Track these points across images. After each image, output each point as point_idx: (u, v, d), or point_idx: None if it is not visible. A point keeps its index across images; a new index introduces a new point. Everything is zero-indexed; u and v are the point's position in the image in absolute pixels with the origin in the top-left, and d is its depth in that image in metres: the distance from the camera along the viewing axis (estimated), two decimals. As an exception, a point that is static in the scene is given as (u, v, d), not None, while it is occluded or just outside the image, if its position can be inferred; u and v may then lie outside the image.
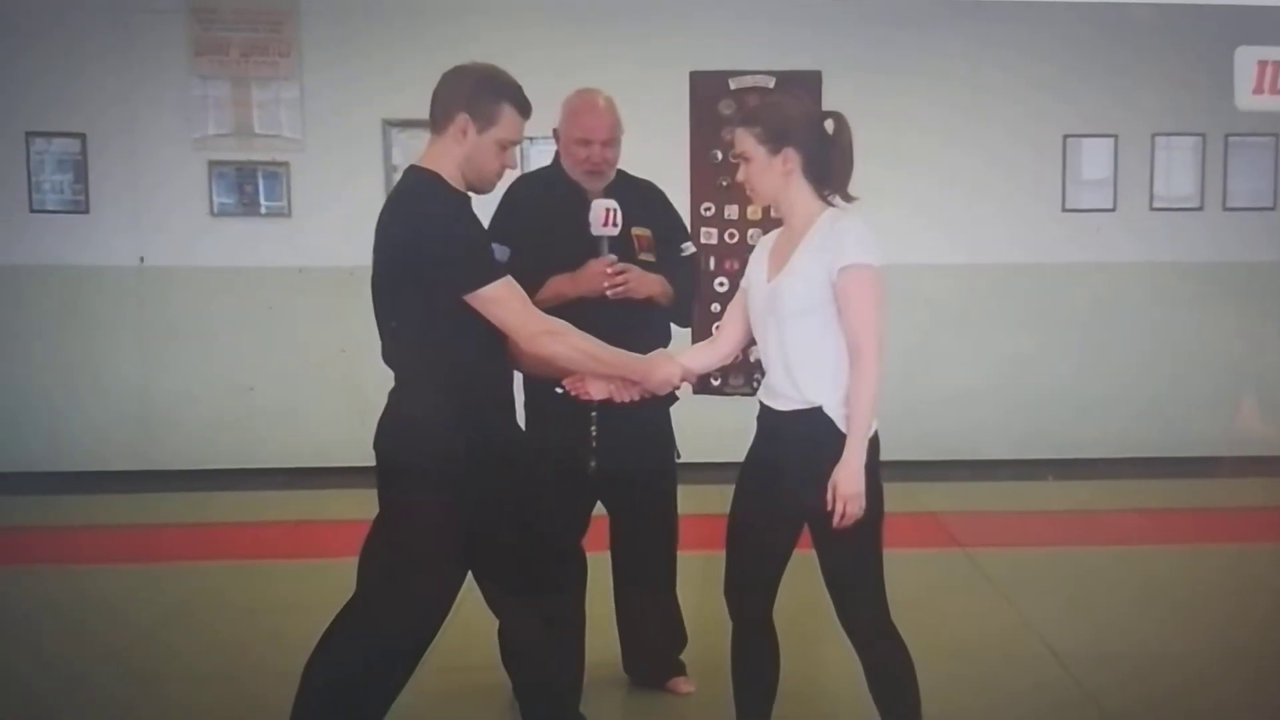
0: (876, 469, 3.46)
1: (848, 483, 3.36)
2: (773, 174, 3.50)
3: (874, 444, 3.45)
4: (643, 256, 4.35)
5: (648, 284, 4.29)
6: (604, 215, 4.18)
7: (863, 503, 3.36)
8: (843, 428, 3.39)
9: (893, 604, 5.38)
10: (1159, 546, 6.78)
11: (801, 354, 3.44)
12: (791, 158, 3.48)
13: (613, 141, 4.36)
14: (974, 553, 6.51)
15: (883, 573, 3.52)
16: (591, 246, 4.22)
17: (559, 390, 4.07)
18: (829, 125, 3.52)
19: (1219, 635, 5.20)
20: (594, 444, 4.31)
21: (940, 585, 5.99)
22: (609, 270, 4.19)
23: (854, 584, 3.52)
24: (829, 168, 3.51)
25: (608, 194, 4.30)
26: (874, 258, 3.39)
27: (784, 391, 3.49)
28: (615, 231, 4.21)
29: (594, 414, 4.25)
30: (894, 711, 3.60)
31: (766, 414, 3.57)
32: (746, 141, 3.52)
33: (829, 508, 3.37)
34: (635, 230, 4.35)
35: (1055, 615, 5.40)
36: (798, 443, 3.47)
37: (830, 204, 3.54)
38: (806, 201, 3.51)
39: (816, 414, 3.42)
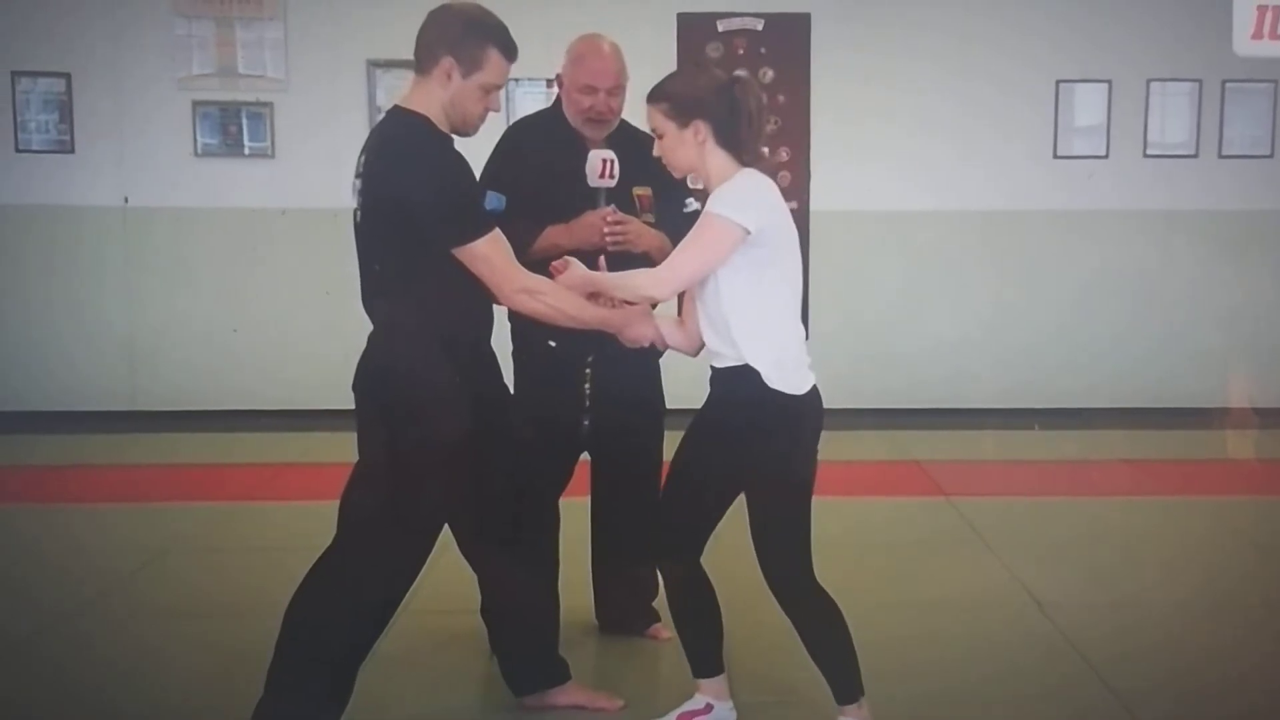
0: (816, 433, 3.53)
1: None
2: (686, 146, 3.50)
3: (805, 405, 3.48)
4: (645, 218, 4.26)
5: (647, 237, 4.19)
6: (601, 166, 4.11)
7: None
8: (771, 384, 3.42)
9: (877, 552, 5.43)
10: (1145, 498, 6.79)
11: (726, 312, 3.45)
12: (702, 129, 3.47)
13: (618, 89, 4.26)
14: (959, 502, 6.50)
15: (808, 535, 3.55)
16: (589, 198, 4.15)
17: (551, 345, 4.06)
18: (736, 91, 3.48)
19: (1204, 587, 5.21)
20: (587, 402, 4.29)
21: (925, 534, 6.01)
22: (607, 221, 4.11)
23: (773, 543, 3.55)
24: (739, 133, 3.49)
25: (608, 145, 4.22)
26: (728, 210, 3.38)
27: (716, 349, 3.53)
28: (612, 183, 4.14)
29: (588, 370, 4.24)
30: (827, 668, 3.62)
31: (711, 374, 3.59)
32: (656, 117, 3.52)
33: None
34: (636, 190, 4.27)
35: (1040, 565, 5.40)
36: (727, 399, 3.52)
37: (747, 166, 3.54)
38: (722, 169, 3.50)
39: (745, 370, 3.44)
